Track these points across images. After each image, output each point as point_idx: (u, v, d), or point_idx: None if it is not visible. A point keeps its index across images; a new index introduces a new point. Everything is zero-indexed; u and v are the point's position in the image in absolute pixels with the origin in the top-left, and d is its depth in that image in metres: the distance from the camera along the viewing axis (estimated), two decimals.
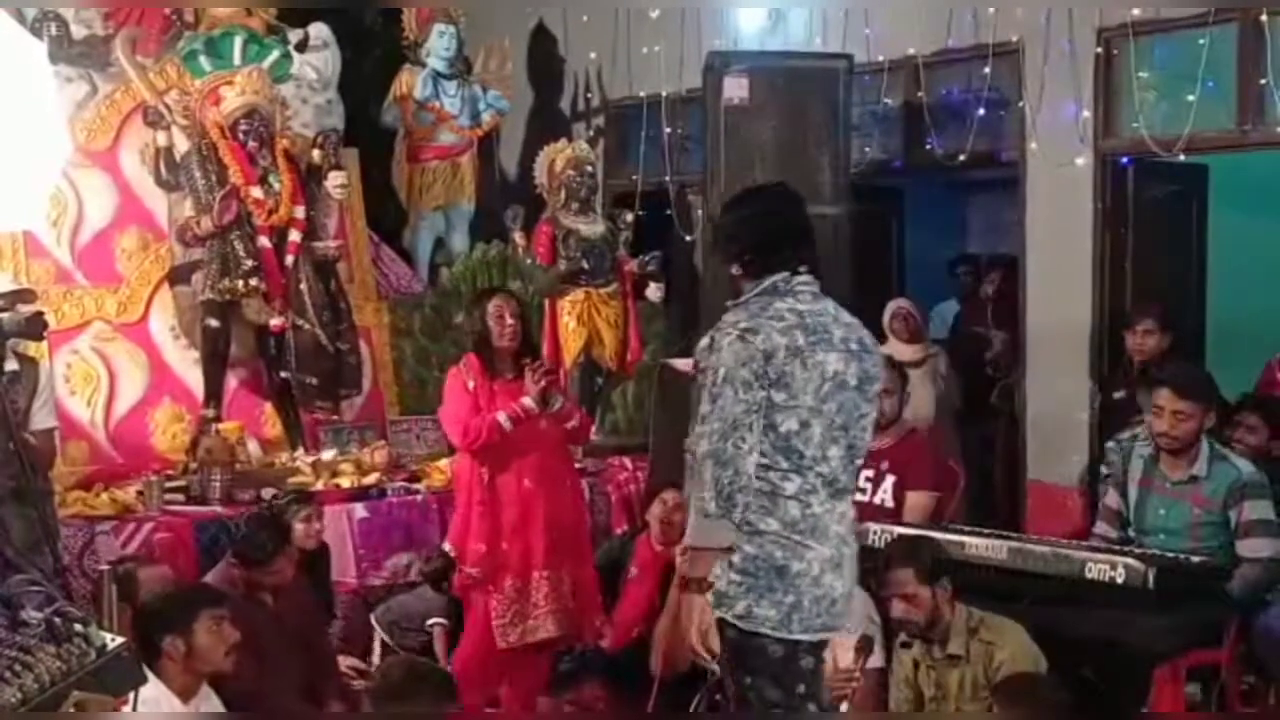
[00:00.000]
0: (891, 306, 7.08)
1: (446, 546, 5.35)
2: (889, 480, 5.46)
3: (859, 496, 5.43)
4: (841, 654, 4.47)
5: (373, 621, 5.74)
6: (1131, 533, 4.86)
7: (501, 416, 4.92)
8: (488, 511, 4.98)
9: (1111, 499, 4.97)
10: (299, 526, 5.19)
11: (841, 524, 3.46)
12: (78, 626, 2.61)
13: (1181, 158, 6.27)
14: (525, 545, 4.98)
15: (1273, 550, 4.60)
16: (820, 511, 3.39)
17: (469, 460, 5.06)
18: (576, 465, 5.74)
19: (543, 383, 4.94)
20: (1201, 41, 6.03)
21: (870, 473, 5.48)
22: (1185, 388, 4.76)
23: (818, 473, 3.37)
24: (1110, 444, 5.63)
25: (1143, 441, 4.99)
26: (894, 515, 5.33)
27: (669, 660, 4.58)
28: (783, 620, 3.35)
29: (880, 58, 7.11)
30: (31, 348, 5.05)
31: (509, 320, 5.01)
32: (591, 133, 8.62)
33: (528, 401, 4.94)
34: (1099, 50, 6.39)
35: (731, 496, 3.24)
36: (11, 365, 4.57)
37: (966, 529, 5.00)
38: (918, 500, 5.41)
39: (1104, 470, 5.66)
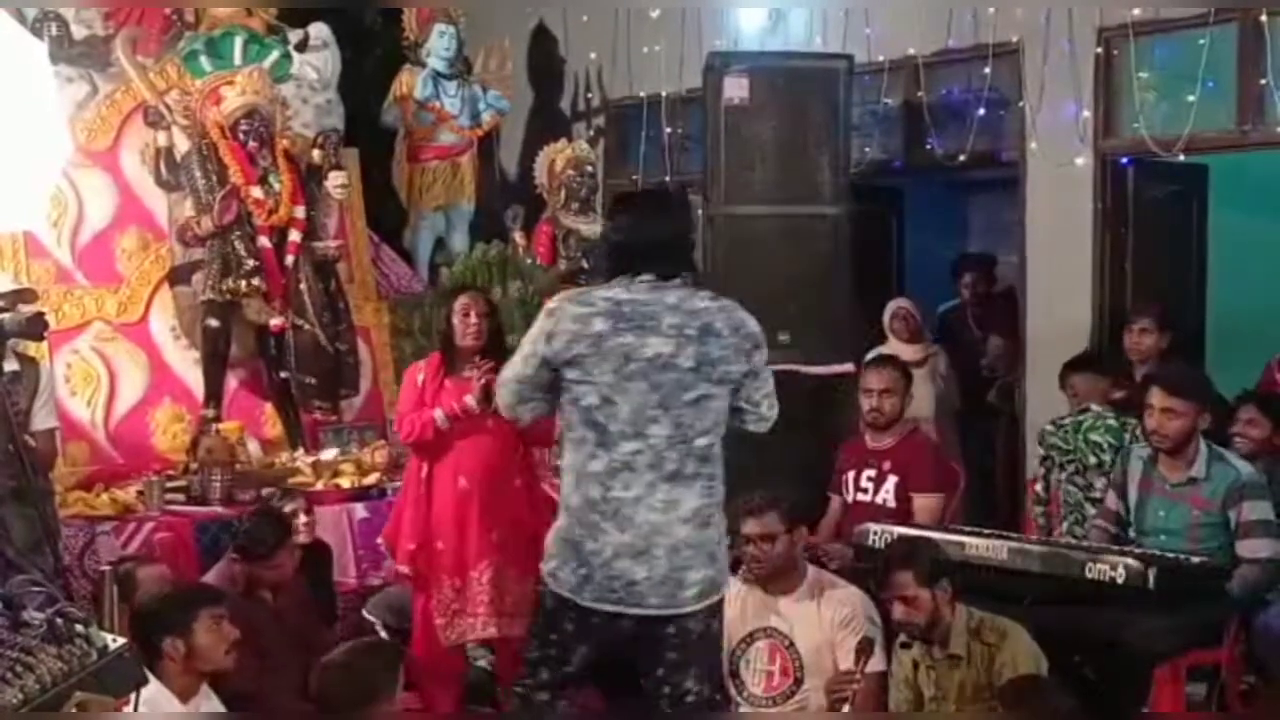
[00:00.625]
0: (891, 306, 7.09)
1: (379, 540, 5.33)
2: (891, 480, 5.44)
3: (861, 497, 5.51)
4: (842, 656, 4.47)
5: (365, 614, 5.72)
6: (1131, 533, 4.86)
7: (438, 413, 4.91)
8: (421, 510, 4.98)
9: (1111, 500, 4.97)
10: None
11: (669, 513, 3.53)
12: (79, 627, 2.60)
13: (1181, 158, 6.27)
14: (460, 545, 4.95)
15: (1272, 550, 4.59)
16: (627, 495, 3.51)
17: (415, 456, 5.07)
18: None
19: (484, 380, 4.85)
20: (1201, 41, 6.04)
21: (872, 473, 5.48)
22: (1175, 385, 4.75)
23: (631, 451, 3.50)
24: (1049, 427, 5.60)
25: (1140, 443, 4.99)
26: (895, 515, 5.31)
27: None
28: (576, 588, 3.55)
29: (880, 58, 7.11)
30: (32, 348, 5.06)
31: (473, 319, 4.99)
32: (591, 133, 8.61)
33: (469, 400, 4.90)
34: (1099, 50, 6.39)
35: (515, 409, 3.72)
36: (12, 365, 4.57)
37: (966, 530, 4.98)
38: (925, 503, 5.36)
39: (1040, 452, 5.64)
